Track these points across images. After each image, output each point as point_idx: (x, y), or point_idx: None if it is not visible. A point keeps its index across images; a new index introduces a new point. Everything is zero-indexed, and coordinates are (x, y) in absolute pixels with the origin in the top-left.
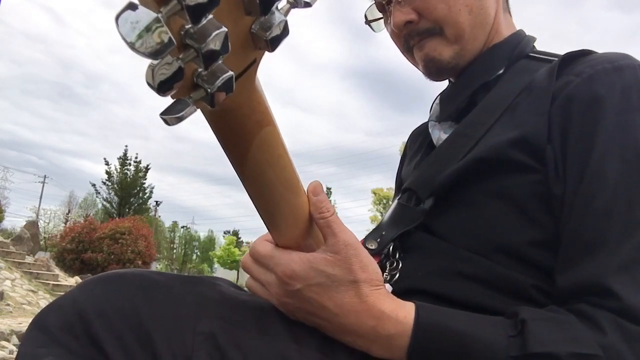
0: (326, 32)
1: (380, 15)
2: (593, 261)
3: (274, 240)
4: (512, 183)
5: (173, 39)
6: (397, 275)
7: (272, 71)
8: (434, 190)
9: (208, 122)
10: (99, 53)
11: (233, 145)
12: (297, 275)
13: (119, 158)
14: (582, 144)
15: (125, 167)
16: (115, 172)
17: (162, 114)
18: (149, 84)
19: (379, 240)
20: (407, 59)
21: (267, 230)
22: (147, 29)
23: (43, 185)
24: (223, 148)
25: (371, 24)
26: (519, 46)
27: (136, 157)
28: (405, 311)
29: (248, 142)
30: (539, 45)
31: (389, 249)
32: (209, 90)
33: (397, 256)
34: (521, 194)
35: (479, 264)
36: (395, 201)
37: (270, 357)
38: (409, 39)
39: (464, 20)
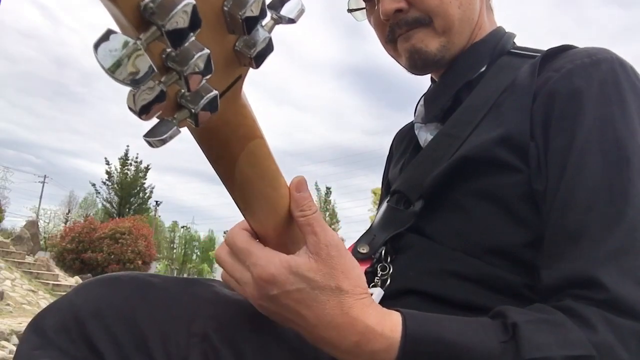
0: (321, 29)
1: (363, 5)
2: (577, 254)
3: (252, 228)
4: (499, 184)
5: (154, 66)
6: (389, 280)
7: (266, 69)
8: (423, 192)
9: (194, 137)
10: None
11: (220, 160)
12: (275, 280)
13: (120, 158)
14: (562, 138)
15: (126, 167)
16: (115, 172)
17: (145, 136)
18: (130, 108)
19: (370, 244)
20: (388, 50)
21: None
22: (127, 57)
23: (43, 185)
24: (210, 162)
25: (354, 12)
26: (500, 43)
27: (137, 157)
28: (392, 323)
29: (235, 156)
30: (540, 43)
31: (381, 252)
32: (193, 110)
33: (389, 260)
34: (508, 195)
35: (469, 264)
36: (385, 204)
37: (265, 357)
38: (396, 29)
39: (454, 12)
